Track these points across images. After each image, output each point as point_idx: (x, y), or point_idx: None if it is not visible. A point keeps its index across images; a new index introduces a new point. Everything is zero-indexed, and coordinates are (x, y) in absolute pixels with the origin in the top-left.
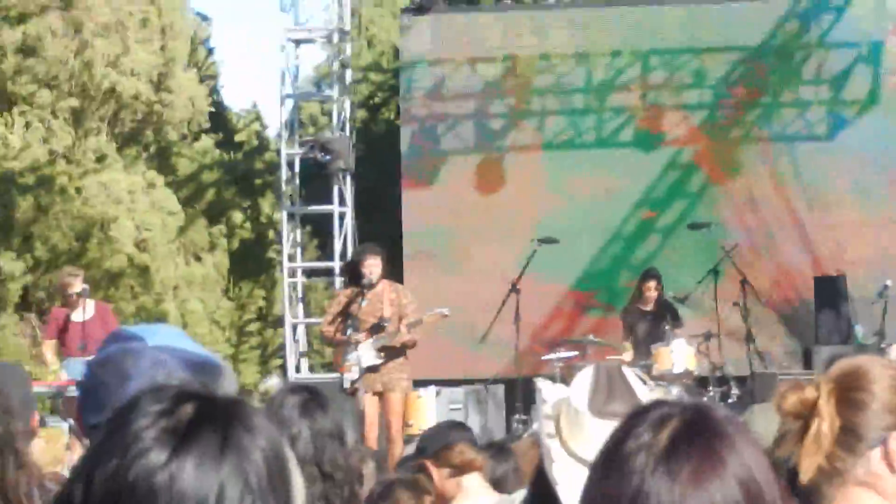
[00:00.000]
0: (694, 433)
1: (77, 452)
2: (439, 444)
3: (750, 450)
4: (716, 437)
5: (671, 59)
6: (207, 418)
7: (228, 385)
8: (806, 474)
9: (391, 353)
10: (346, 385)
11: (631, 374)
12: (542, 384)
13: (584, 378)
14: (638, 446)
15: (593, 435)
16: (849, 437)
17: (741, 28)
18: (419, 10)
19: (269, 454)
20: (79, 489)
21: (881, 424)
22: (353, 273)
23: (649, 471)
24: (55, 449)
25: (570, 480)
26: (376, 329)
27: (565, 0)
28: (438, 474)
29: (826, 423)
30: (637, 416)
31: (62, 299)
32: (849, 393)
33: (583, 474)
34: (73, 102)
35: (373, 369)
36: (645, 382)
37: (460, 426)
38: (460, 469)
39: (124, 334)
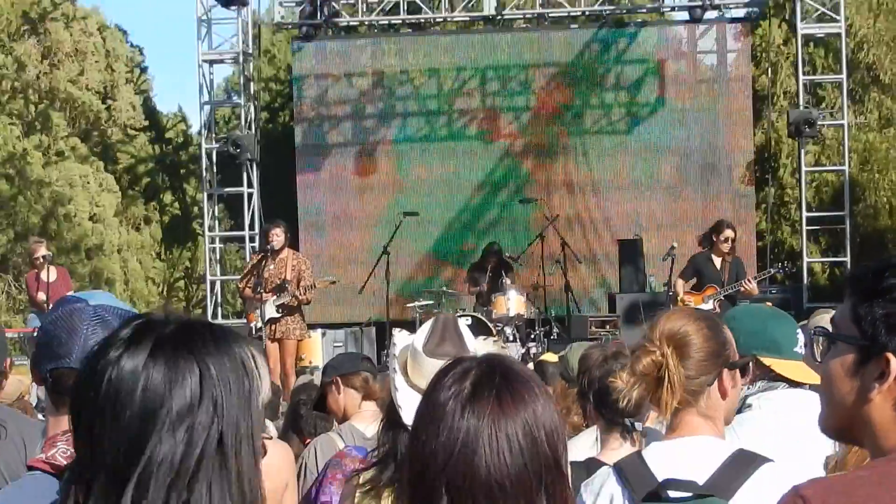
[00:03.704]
0: (492, 381)
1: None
2: (350, 368)
3: (537, 396)
4: (510, 384)
5: (503, 73)
6: (148, 334)
7: None
8: (666, 414)
9: (289, 309)
10: (254, 331)
11: (463, 325)
12: (396, 332)
13: (426, 326)
14: (448, 395)
15: (426, 369)
16: (691, 382)
17: (556, 49)
18: (306, 37)
19: (202, 364)
20: (74, 382)
21: (713, 366)
22: (262, 241)
23: (459, 413)
24: (25, 382)
25: (409, 404)
26: (279, 289)
27: (421, 29)
28: (344, 392)
29: (676, 377)
30: (443, 372)
31: (31, 263)
32: (683, 349)
33: (415, 398)
34: (42, 110)
35: (273, 321)
36: (487, 325)
37: (367, 359)
38: (363, 393)
39: (70, 298)
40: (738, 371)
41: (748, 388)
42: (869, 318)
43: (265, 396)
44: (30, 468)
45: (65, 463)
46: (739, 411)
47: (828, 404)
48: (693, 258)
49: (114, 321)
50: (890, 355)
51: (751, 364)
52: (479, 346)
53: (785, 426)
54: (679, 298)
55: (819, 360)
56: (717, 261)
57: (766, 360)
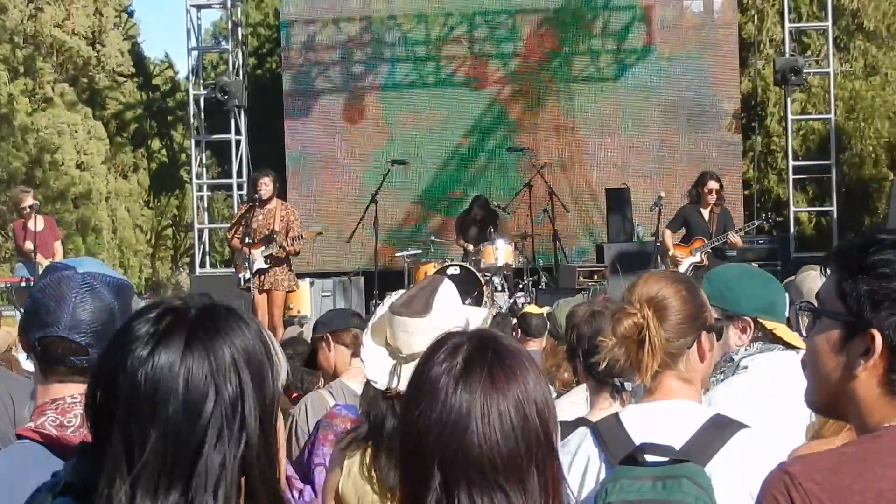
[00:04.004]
0: (484, 356)
1: None
2: (341, 325)
3: (528, 371)
4: (501, 359)
5: (491, 19)
6: (178, 325)
7: (135, 303)
8: (646, 376)
9: (276, 260)
10: (242, 282)
11: (447, 292)
12: (392, 293)
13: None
14: (440, 371)
15: (388, 326)
16: (670, 345)
17: None
18: None
19: (235, 349)
20: (93, 380)
21: (692, 328)
22: (250, 190)
23: (451, 389)
24: (12, 334)
25: (371, 359)
26: (267, 240)
27: None
28: (335, 349)
29: (656, 339)
30: (435, 347)
31: (17, 213)
32: (659, 312)
33: (379, 353)
34: (28, 55)
35: (261, 272)
36: (476, 275)
37: (357, 316)
38: (353, 350)
39: (58, 265)
40: (714, 334)
41: (745, 350)
42: (854, 294)
43: (284, 379)
44: (19, 437)
45: (55, 433)
46: (734, 373)
47: (813, 380)
48: (681, 209)
49: (102, 289)
50: (875, 331)
51: (751, 325)
52: (470, 315)
53: (782, 388)
54: (669, 254)
55: (805, 334)
56: (705, 212)
57: (769, 324)
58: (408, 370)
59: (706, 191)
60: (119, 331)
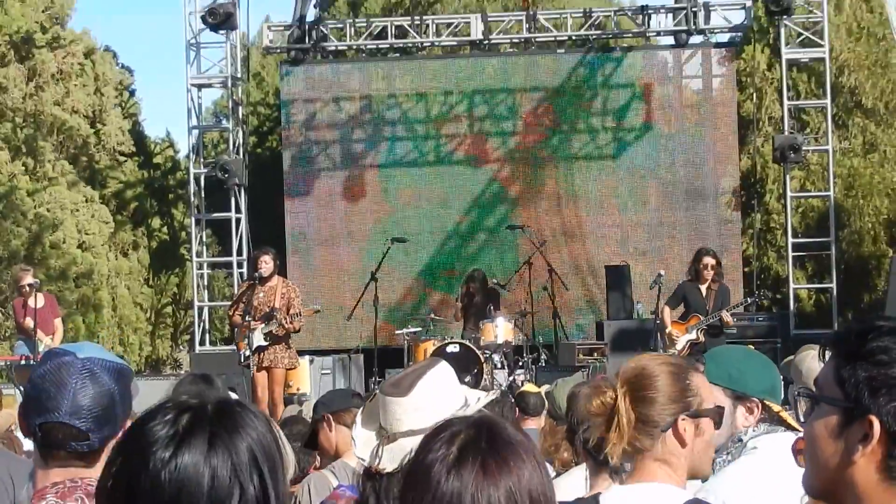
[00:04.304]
0: (478, 446)
1: None
2: (342, 405)
3: (523, 462)
4: (496, 450)
5: (490, 98)
6: (199, 424)
7: (134, 387)
8: (614, 458)
9: (276, 337)
10: (242, 359)
11: (436, 375)
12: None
13: None
14: (434, 458)
15: (377, 407)
16: (645, 425)
17: (543, 73)
18: (295, 61)
19: (253, 444)
20: (107, 482)
21: (668, 411)
22: (251, 268)
23: (444, 477)
24: (13, 414)
25: (361, 438)
26: (267, 317)
27: (408, 53)
28: (336, 430)
29: (625, 419)
30: (434, 434)
31: (17, 291)
32: (639, 392)
33: (368, 432)
34: (29, 134)
35: (261, 349)
36: (475, 352)
37: (358, 395)
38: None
39: (58, 351)
40: (706, 420)
41: (753, 430)
42: (852, 381)
43: (292, 472)
44: None
45: None
46: (742, 453)
47: (811, 465)
48: (680, 286)
49: (102, 374)
50: (873, 418)
51: (759, 406)
52: (469, 396)
53: (792, 469)
54: (667, 331)
55: (803, 419)
56: (703, 288)
57: (775, 407)
58: (388, 449)
59: (702, 266)
60: (133, 432)
